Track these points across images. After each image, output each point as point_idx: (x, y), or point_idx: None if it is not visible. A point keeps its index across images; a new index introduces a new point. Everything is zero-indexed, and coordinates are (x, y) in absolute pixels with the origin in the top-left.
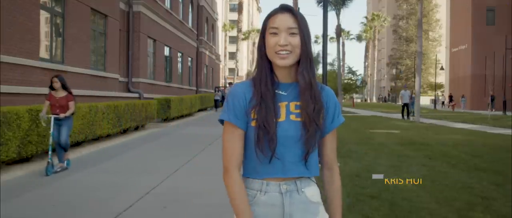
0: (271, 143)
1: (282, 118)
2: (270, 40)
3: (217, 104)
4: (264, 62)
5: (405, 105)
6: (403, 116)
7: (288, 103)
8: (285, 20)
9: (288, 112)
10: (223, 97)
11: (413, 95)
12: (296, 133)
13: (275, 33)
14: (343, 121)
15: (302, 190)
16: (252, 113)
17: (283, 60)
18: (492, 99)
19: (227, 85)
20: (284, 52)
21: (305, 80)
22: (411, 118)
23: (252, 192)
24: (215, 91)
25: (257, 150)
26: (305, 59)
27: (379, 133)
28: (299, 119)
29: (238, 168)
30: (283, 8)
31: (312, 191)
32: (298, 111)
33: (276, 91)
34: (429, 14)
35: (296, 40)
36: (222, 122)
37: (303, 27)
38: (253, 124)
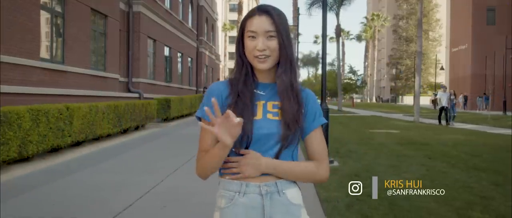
0: (245, 140)
1: (259, 116)
2: (249, 44)
3: None
4: (244, 63)
5: (443, 109)
6: (440, 120)
7: (265, 102)
8: (262, 23)
9: (265, 110)
10: None
11: (453, 97)
12: (271, 131)
13: (253, 37)
14: (325, 122)
15: (283, 191)
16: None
17: (262, 64)
18: (487, 98)
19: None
20: (262, 56)
21: (284, 84)
22: (450, 124)
23: (229, 193)
24: (204, 91)
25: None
26: (284, 62)
27: (379, 132)
28: (276, 118)
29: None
30: (260, 10)
31: (293, 193)
32: (275, 110)
33: (254, 90)
34: (429, 14)
35: (274, 43)
36: (199, 119)
37: (281, 29)
38: None
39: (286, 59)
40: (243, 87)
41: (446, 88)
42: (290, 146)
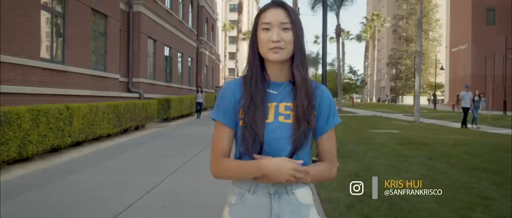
0: (258, 144)
1: (270, 119)
2: (263, 36)
3: (199, 108)
4: (256, 59)
5: (466, 110)
6: (463, 124)
7: (277, 104)
8: (277, 15)
9: (277, 113)
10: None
11: (477, 98)
12: (283, 135)
13: (267, 29)
14: (339, 122)
15: (292, 191)
16: (241, 112)
17: (276, 55)
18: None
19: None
20: (277, 48)
21: (301, 75)
22: (474, 126)
23: (240, 190)
24: (197, 92)
25: (242, 150)
26: (299, 55)
27: (379, 132)
28: (288, 121)
29: (224, 158)
30: (275, 3)
31: (303, 193)
32: (287, 113)
33: (266, 90)
34: (429, 14)
35: (289, 35)
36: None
37: (296, 22)
38: (241, 123)
39: (300, 53)
40: (255, 88)
41: (468, 87)
42: (303, 148)
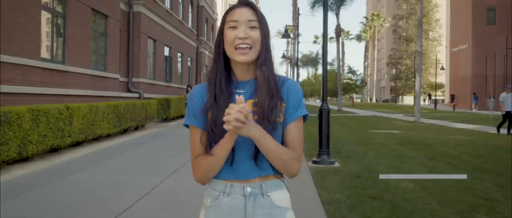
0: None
1: None
2: (229, 34)
3: None
4: (220, 59)
5: (508, 114)
6: (501, 128)
7: (245, 102)
8: (244, 13)
9: None
10: None
11: None
12: None
13: (234, 27)
14: (305, 114)
15: (268, 193)
16: (209, 114)
17: (244, 56)
18: (476, 98)
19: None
20: (244, 46)
21: (264, 75)
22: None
23: (215, 193)
24: (187, 92)
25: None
26: (264, 54)
27: (380, 133)
28: (256, 117)
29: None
30: (242, 3)
31: (279, 195)
32: (255, 109)
33: (233, 90)
34: (429, 13)
35: (256, 34)
36: (187, 126)
37: (262, 21)
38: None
39: (266, 52)
40: (218, 88)
41: (510, 88)
42: None
